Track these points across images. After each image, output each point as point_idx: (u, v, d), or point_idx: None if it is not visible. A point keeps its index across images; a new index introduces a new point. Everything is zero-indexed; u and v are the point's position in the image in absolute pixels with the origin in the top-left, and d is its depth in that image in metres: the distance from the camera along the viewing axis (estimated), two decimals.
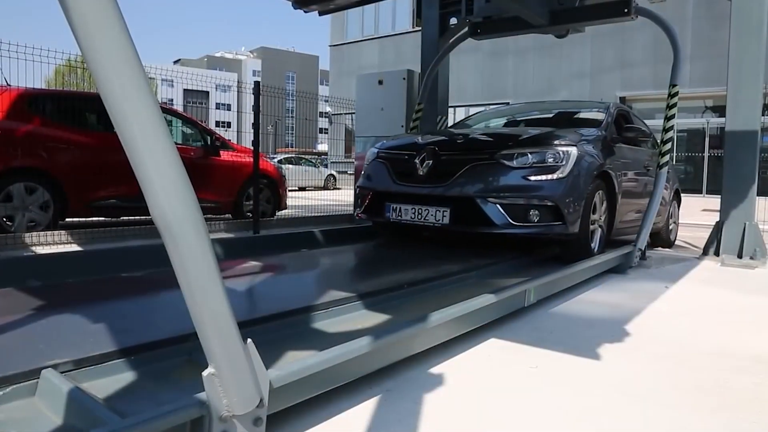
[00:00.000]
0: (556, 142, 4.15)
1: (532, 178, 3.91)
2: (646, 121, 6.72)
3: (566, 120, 5.67)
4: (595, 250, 4.33)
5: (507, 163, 3.98)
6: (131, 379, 1.85)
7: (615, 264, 4.52)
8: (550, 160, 3.97)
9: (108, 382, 1.81)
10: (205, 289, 1.32)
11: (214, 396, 1.40)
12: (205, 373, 1.39)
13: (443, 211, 4.04)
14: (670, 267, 4.96)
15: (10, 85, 5.63)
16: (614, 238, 5.16)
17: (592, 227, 4.27)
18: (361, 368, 2.00)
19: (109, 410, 1.52)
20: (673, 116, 5.27)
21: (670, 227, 6.45)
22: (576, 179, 3.97)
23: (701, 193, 17.98)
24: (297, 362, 1.76)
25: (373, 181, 4.62)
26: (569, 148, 4.05)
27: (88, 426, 1.44)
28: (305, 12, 6.93)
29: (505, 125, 6.03)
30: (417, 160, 4.28)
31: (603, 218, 4.46)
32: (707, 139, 18.34)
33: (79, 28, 1.12)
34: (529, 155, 4.00)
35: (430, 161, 4.22)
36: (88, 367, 1.82)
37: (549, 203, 3.87)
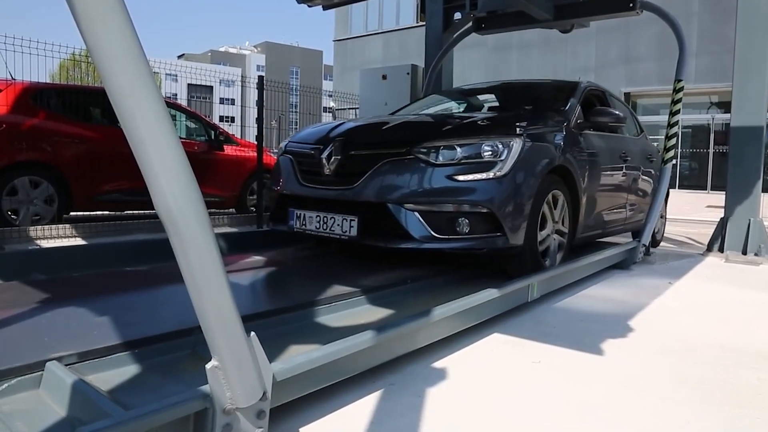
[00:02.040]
0: (494, 130, 3.38)
1: (461, 177, 3.13)
2: (650, 117, 6.68)
3: (526, 102, 4.78)
4: (548, 262, 3.59)
5: (427, 158, 3.18)
6: (135, 372, 1.86)
7: (619, 260, 4.51)
8: (487, 154, 3.19)
9: (112, 374, 1.82)
10: (208, 283, 1.32)
11: (217, 389, 1.41)
12: (208, 366, 1.40)
13: (351, 221, 3.27)
14: (674, 263, 4.95)
15: (15, 80, 5.64)
16: (601, 240, 5.06)
17: (543, 236, 3.54)
18: (364, 362, 2.00)
19: (113, 402, 1.52)
20: (678, 111, 5.25)
21: (658, 223, 5.70)
22: (519, 178, 3.22)
23: (706, 189, 17.96)
24: (300, 356, 1.76)
25: (278, 181, 3.83)
26: (511, 139, 3.27)
27: (92, 418, 1.45)
28: (309, 6, 6.94)
29: (451, 109, 5.20)
30: (323, 156, 3.47)
31: (561, 223, 3.75)
32: (712, 135, 18.29)
33: (84, 22, 1.12)
34: (458, 149, 3.19)
35: (338, 157, 3.42)
36: (92, 360, 1.84)
37: (482, 209, 3.12)
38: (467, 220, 3.12)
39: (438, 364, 2.28)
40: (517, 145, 3.25)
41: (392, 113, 5.25)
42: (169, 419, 1.40)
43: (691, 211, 10.14)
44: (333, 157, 3.43)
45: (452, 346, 2.46)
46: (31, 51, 5.29)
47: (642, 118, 19.36)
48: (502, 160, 3.18)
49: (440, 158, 3.18)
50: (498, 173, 3.16)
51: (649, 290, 3.77)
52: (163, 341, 2.02)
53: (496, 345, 2.55)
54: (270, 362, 1.55)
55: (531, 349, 2.50)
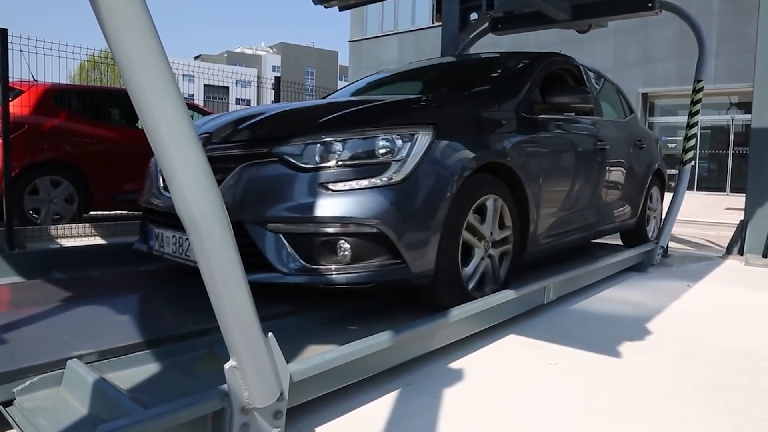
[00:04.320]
0: (392, 119, 2.57)
1: (340, 186, 2.33)
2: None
3: (472, 82, 3.80)
4: (480, 289, 2.78)
5: (294, 160, 2.39)
6: (154, 371, 1.88)
7: (636, 262, 4.47)
8: (381, 151, 2.41)
9: (131, 373, 1.84)
10: (228, 284, 1.33)
11: (235, 388, 1.42)
12: (227, 366, 1.41)
13: None
14: (692, 266, 4.89)
15: (37, 81, 5.73)
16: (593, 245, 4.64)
17: (471, 259, 2.76)
18: (381, 362, 2.01)
19: (132, 401, 1.54)
20: (697, 112, 5.19)
21: (649, 222, 5.13)
22: (426, 182, 2.44)
23: (725, 191, 17.73)
24: (317, 356, 1.78)
25: (144, 189, 3.09)
26: (415, 130, 2.48)
27: (112, 416, 1.47)
28: (325, 8, 6.95)
29: (376, 92, 4.19)
30: None
31: (502, 236, 2.94)
32: (732, 136, 18.04)
33: (108, 23, 1.13)
34: (337, 145, 2.40)
35: None
36: (112, 358, 1.86)
37: (369, 229, 2.32)
38: (348, 245, 2.34)
39: (454, 364, 2.28)
40: (423, 138, 2.48)
41: (323, 97, 4.55)
42: (188, 418, 1.41)
43: (709, 213, 10.02)
44: None
45: (468, 347, 2.46)
46: (52, 53, 5.37)
47: (660, 119, 19.24)
48: (399, 160, 2.40)
49: (311, 159, 2.39)
50: (394, 178, 2.37)
51: (666, 293, 3.73)
52: (181, 340, 2.05)
53: (512, 346, 2.55)
54: (287, 362, 1.56)
55: (547, 351, 2.48)
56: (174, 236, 2.69)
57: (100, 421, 1.51)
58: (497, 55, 4.45)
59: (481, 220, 2.79)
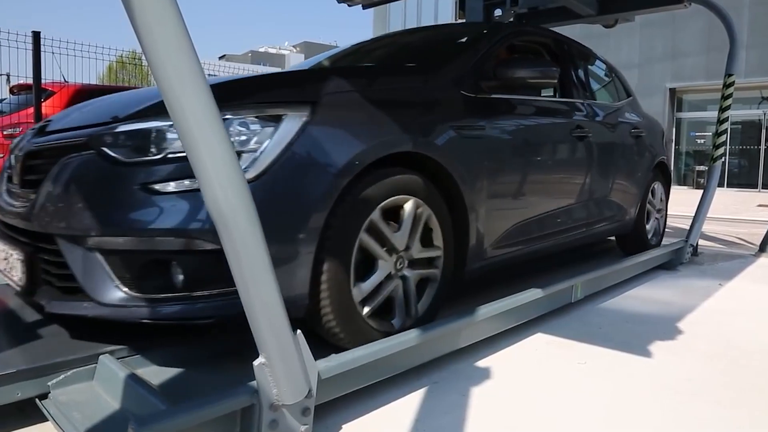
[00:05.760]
0: (251, 98, 1.90)
1: (170, 186, 1.73)
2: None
3: (418, 57, 3.15)
4: (366, 314, 2.08)
5: (111, 152, 1.79)
6: (183, 367, 1.91)
7: (665, 260, 4.38)
8: (233, 139, 1.80)
9: (161, 368, 1.87)
10: (257, 279, 1.34)
11: (264, 385, 1.43)
12: (256, 363, 1.42)
13: (19, 260, 2.00)
14: (723, 264, 4.79)
15: (67, 82, 5.86)
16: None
17: (374, 279, 2.11)
18: (408, 360, 2.01)
19: (162, 396, 1.56)
20: (728, 107, 5.08)
21: (650, 223, 4.60)
22: (291, 181, 1.81)
23: (756, 187, 17.35)
24: (345, 354, 1.78)
25: None
26: (283, 111, 1.86)
27: (143, 410, 1.50)
28: (349, 6, 6.95)
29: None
30: (14, 153, 2.24)
31: (422, 256, 2.30)
32: (764, 131, 17.64)
33: (141, 24, 1.15)
34: (167, 132, 1.78)
35: (21, 154, 2.13)
36: (143, 354, 1.89)
37: (207, 245, 1.70)
38: (181, 266, 1.76)
39: (482, 363, 2.26)
40: (293, 121, 1.85)
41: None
42: (217, 414, 1.43)
43: (741, 210, 9.80)
44: (18, 155, 2.16)
45: (496, 345, 2.44)
46: (82, 54, 5.49)
47: (688, 115, 18.89)
48: (253, 150, 1.79)
49: (133, 151, 1.79)
50: (245, 174, 1.67)
51: (697, 291, 3.65)
52: (210, 337, 2.07)
53: (540, 345, 2.52)
54: (315, 360, 1.57)
55: (576, 350, 2.45)
56: (2, 249, 2.15)
57: (132, 415, 1.53)
58: (456, 26, 3.74)
59: (392, 230, 2.15)
